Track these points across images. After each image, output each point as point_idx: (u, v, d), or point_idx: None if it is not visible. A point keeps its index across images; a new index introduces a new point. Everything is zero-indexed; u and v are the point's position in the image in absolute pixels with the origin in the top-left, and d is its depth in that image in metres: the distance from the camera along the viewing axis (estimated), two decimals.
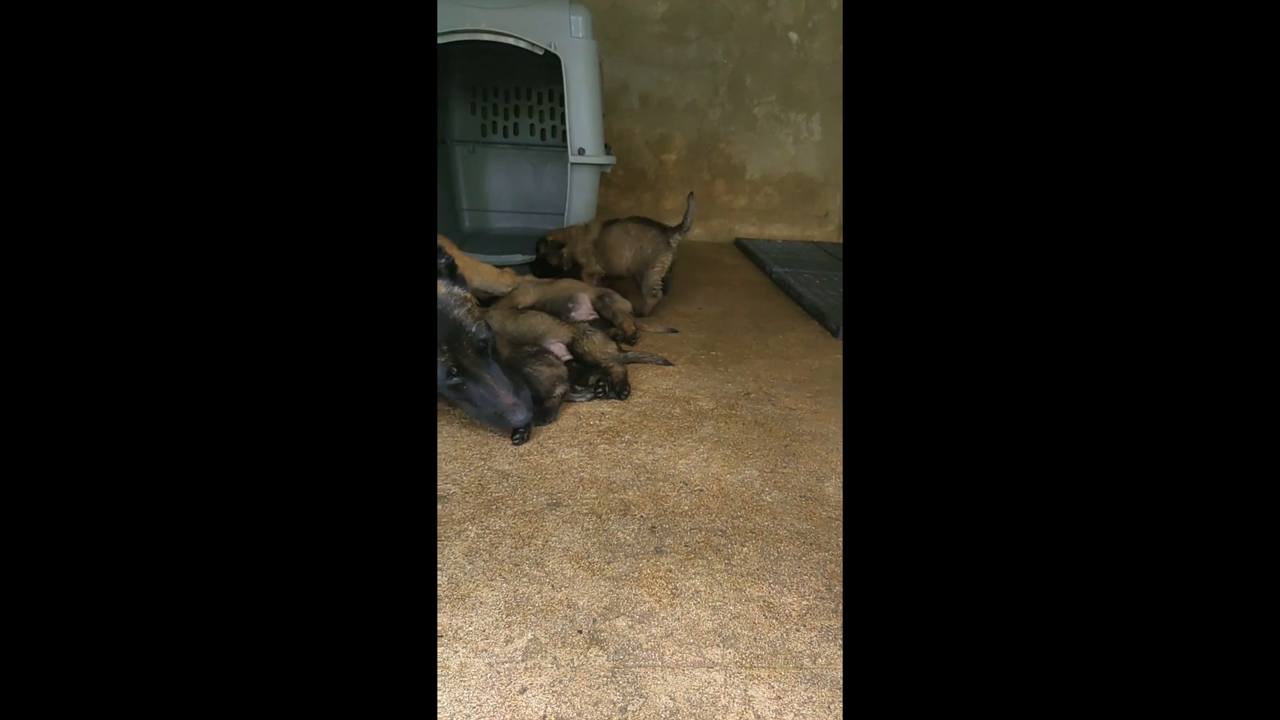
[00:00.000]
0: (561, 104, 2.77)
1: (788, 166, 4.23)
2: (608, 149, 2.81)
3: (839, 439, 1.68)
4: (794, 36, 3.98)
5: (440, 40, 2.44)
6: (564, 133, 2.79)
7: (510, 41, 2.56)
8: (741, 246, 3.98)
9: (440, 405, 1.69)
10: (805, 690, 0.93)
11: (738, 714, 0.89)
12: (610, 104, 3.82)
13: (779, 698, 0.92)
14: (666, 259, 2.49)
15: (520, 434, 1.58)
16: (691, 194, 2.61)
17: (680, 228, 2.51)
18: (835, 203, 4.31)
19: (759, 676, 0.95)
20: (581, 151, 2.71)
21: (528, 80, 3.27)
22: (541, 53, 2.58)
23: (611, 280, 2.58)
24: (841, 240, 4.29)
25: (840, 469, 1.54)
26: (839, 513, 1.37)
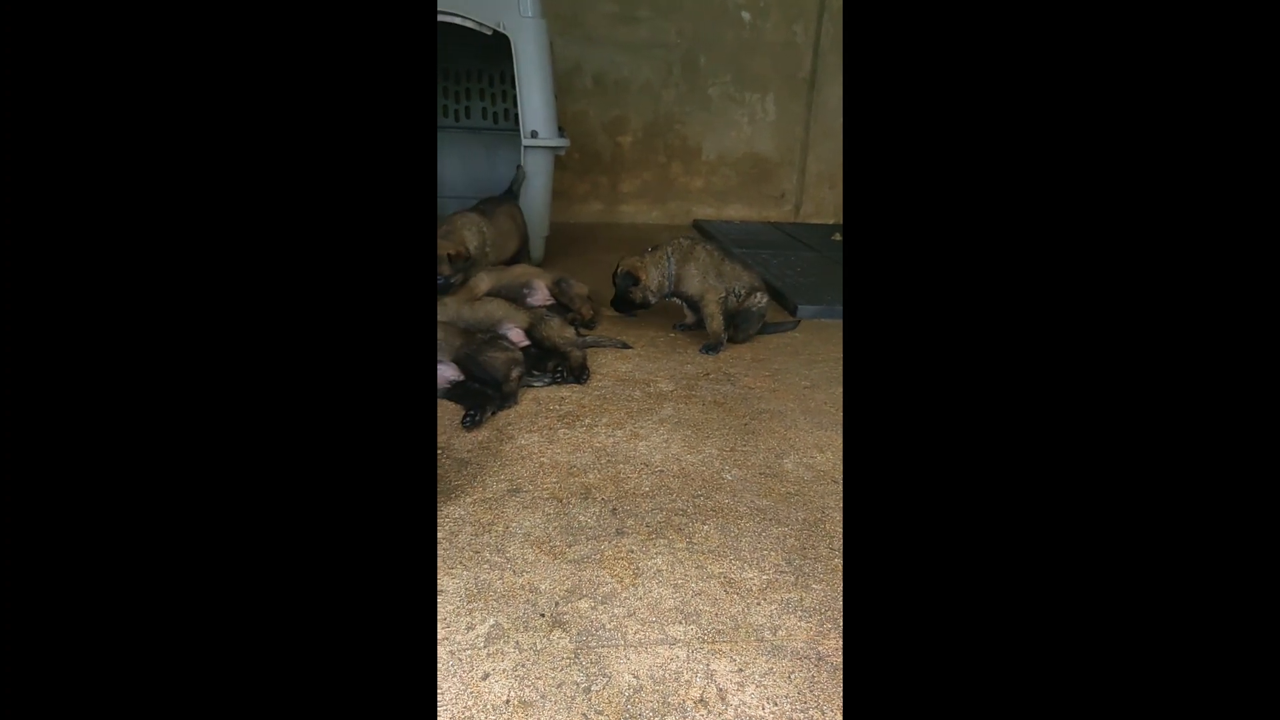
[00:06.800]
0: (513, 86, 2.71)
1: (744, 147, 4.23)
2: (561, 131, 2.77)
3: (797, 416, 1.71)
4: (746, 16, 3.97)
5: None
6: (517, 115, 2.74)
7: (458, 21, 2.49)
8: (700, 228, 3.99)
9: None
10: (766, 662, 0.95)
11: (700, 688, 0.91)
12: (563, 85, 3.76)
13: (740, 670, 0.94)
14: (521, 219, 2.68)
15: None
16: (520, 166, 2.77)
17: (512, 192, 2.71)
18: (791, 182, 4.34)
19: (721, 651, 0.97)
20: (534, 134, 2.66)
21: (478, 62, 3.19)
22: (490, 33, 2.52)
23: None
24: (797, 220, 4.33)
25: (798, 445, 1.57)
26: (797, 488, 1.40)
